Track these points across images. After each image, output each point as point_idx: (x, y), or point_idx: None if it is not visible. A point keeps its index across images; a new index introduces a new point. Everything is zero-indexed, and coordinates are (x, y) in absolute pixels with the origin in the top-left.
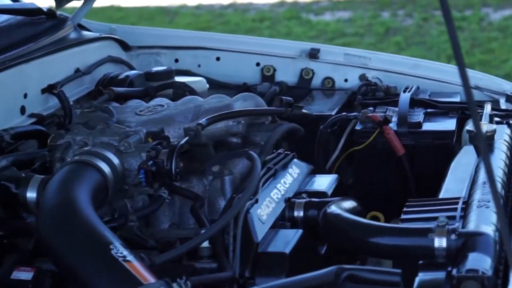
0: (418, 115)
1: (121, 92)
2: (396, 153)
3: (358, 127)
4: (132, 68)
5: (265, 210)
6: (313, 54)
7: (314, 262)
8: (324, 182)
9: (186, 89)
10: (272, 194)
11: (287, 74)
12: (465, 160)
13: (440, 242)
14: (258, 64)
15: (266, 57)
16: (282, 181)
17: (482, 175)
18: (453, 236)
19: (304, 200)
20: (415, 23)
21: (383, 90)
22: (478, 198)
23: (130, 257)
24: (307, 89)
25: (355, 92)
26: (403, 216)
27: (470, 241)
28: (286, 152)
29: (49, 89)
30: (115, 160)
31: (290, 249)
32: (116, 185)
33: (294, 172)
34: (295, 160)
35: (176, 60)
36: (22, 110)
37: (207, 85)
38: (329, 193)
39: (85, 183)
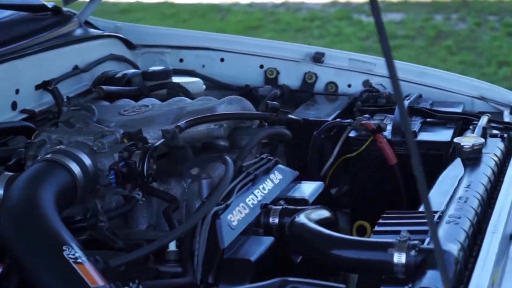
0: (414, 124)
1: (112, 90)
2: (388, 162)
3: (352, 134)
4: (136, 67)
5: (236, 216)
6: (317, 58)
7: (287, 271)
8: (307, 189)
9: (180, 90)
10: (247, 199)
11: (291, 78)
12: (454, 173)
13: (399, 258)
14: (261, 67)
15: (270, 60)
16: (261, 186)
17: (461, 189)
18: (412, 252)
19: (280, 207)
20: (467, 28)
21: (384, 97)
22: (450, 213)
23: (82, 259)
24: (309, 93)
25: (357, 98)
26: (376, 228)
27: (430, 258)
28: (269, 157)
29: (44, 86)
30: (87, 160)
31: (256, 257)
32: (87, 186)
33: (276, 178)
34: (279, 165)
35: (181, 60)
36: (14, 105)
37: (204, 86)
38: (311, 200)
39: (52, 183)
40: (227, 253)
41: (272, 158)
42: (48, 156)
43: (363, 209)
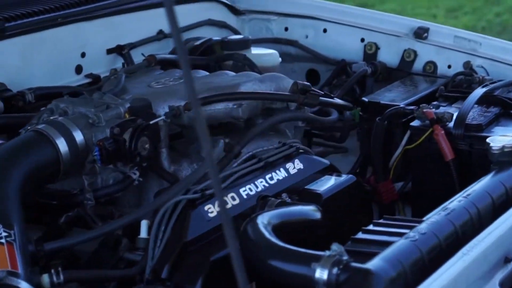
0: (485, 116)
1: (168, 59)
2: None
3: (416, 123)
4: (238, 33)
5: (218, 207)
6: (419, 34)
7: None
8: (329, 182)
9: (245, 62)
10: (243, 189)
11: (390, 54)
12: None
13: (321, 274)
14: (362, 40)
15: (371, 33)
16: (268, 176)
17: (457, 199)
18: (335, 270)
19: (278, 200)
20: None
21: (477, 82)
22: (419, 227)
23: (2, 240)
24: (406, 73)
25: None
26: (357, 236)
27: (355, 278)
28: (292, 144)
29: (117, 50)
30: (78, 135)
31: (218, 255)
32: (74, 161)
33: (295, 167)
34: (304, 154)
35: (286, 29)
36: (78, 69)
37: (279, 59)
38: (326, 195)
39: (31, 156)
40: (193, 246)
41: (295, 145)
42: (39, 127)
43: (422, 208)
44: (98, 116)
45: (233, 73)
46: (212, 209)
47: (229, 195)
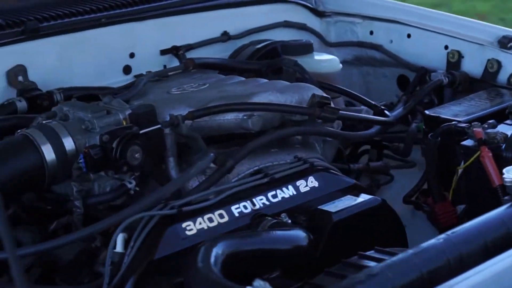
0: None
1: (209, 62)
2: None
3: (469, 143)
4: (319, 36)
5: (202, 224)
6: (504, 43)
7: None
8: (347, 203)
9: (296, 68)
10: (235, 206)
11: (473, 63)
12: None
13: None
14: (446, 47)
15: (455, 40)
16: (271, 193)
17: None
18: None
19: (272, 221)
20: None
21: None
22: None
23: None
24: (489, 84)
25: None
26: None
27: None
28: (309, 160)
29: (172, 51)
30: (68, 141)
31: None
32: (62, 167)
33: (307, 185)
34: (323, 172)
35: (371, 33)
36: (126, 69)
37: (340, 66)
38: (341, 217)
39: (13, 159)
40: (163, 266)
41: (312, 161)
42: (27, 130)
43: None
44: (92, 122)
45: (264, 80)
46: (192, 227)
47: (216, 212)
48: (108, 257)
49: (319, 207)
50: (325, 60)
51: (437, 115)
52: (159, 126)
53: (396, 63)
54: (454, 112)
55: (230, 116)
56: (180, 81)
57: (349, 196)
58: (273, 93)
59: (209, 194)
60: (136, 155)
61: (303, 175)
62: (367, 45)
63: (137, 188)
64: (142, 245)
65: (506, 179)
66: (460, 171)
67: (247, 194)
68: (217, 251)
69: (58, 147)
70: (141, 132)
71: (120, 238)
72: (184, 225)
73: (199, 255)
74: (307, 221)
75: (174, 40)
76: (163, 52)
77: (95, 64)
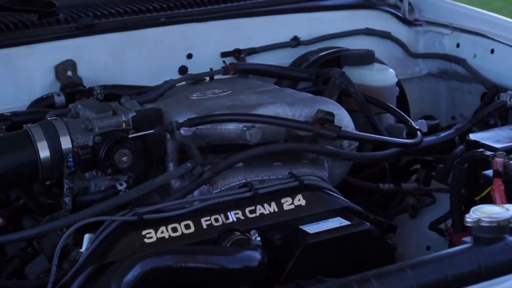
0: None
1: (249, 68)
2: None
3: (489, 172)
4: (404, 46)
5: (162, 233)
6: None
7: None
8: (331, 225)
9: (341, 80)
10: (206, 218)
11: None
12: None
13: None
14: None
15: None
16: (249, 208)
17: None
18: None
19: (237, 237)
20: None
21: None
22: None
23: None
24: None
25: None
26: None
27: None
28: (301, 178)
29: (234, 54)
30: (65, 139)
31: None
32: (57, 164)
33: (292, 203)
34: (314, 191)
35: (458, 45)
36: (182, 70)
37: (394, 80)
38: (318, 239)
39: (7, 153)
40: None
41: (304, 178)
42: (29, 126)
43: None
44: (92, 122)
45: (291, 91)
46: (152, 235)
47: (183, 223)
48: (55, 256)
49: (301, 226)
50: (379, 73)
51: (477, 139)
52: (152, 131)
53: (472, 78)
54: (498, 137)
55: (231, 126)
56: (209, 86)
57: (338, 218)
58: (281, 105)
59: (183, 203)
60: (124, 159)
61: (291, 192)
62: (451, 58)
63: (126, 190)
64: (97, 247)
65: (467, 219)
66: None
67: (223, 207)
68: (142, 266)
69: (54, 144)
70: (131, 136)
71: (86, 238)
72: (144, 232)
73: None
74: (281, 239)
75: (236, 43)
76: (224, 55)
77: (149, 63)
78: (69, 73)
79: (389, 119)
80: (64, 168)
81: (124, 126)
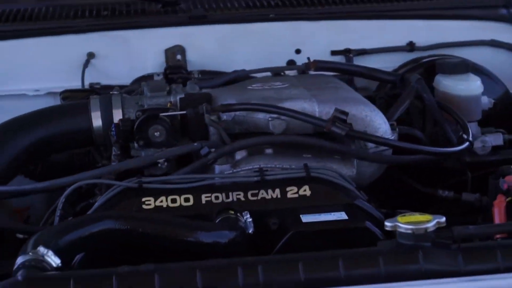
0: None
1: (330, 67)
2: None
3: None
4: None
5: (161, 202)
6: None
7: None
8: (327, 218)
9: (417, 85)
10: (206, 194)
11: None
12: None
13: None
14: None
15: None
16: (252, 192)
17: None
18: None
19: (229, 216)
20: None
21: None
22: None
23: None
24: None
25: None
26: None
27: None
28: (312, 170)
29: (344, 53)
30: (117, 112)
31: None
32: (107, 134)
33: (297, 192)
34: (320, 184)
35: None
36: (290, 64)
37: (478, 90)
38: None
39: (64, 119)
40: None
41: (315, 170)
42: (92, 96)
43: None
44: (142, 99)
45: (346, 87)
46: (150, 203)
47: (183, 196)
48: (60, 202)
49: (301, 215)
50: (461, 83)
51: None
52: (184, 112)
53: None
54: None
55: (261, 116)
56: (276, 79)
57: (342, 213)
58: (310, 102)
59: (189, 179)
60: (156, 134)
61: (298, 182)
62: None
63: (165, 163)
64: (98, 208)
65: (386, 224)
66: None
67: (227, 187)
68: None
69: (106, 116)
70: (162, 114)
71: None
72: (144, 199)
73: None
74: (277, 225)
75: (347, 43)
76: (334, 53)
77: (256, 55)
78: (179, 57)
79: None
80: (110, 136)
81: (169, 105)
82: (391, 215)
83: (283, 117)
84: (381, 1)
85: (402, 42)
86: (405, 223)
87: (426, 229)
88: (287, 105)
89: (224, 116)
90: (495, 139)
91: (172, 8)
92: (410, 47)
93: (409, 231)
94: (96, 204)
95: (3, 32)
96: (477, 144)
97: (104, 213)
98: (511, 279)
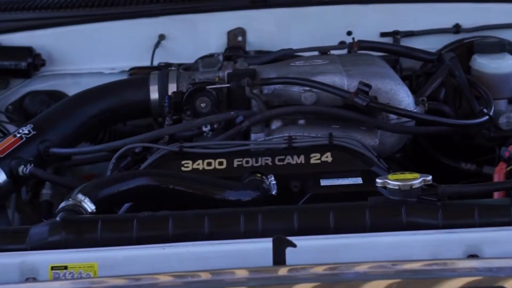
0: None
1: (372, 46)
2: None
3: None
4: None
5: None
6: None
7: None
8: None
9: (449, 64)
10: (238, 159)
11: None
12: None
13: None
14: None
15: None
16: (279, 157)
17: None
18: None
19: (254, 177)
20: None
21: None
22: None
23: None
24: None
25: None
26: None
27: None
28: (335, 138)
29: (392, 34)
30: (172, 86)
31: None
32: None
33: (319, 158)
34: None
35: None
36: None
37: (507, 70)
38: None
39: (125, 91)
40: None
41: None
42: (153, 72)
43: None
44: (194, 74)
45: (381, 64)
46: (188, 165)
47: (218, 160)
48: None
49: (321, 179)
50: (493, 62)
51: None
52: (228, 85)
53: None
54: None
55: (296, 89)
56: (320, 57)
57: (358, 178)
58: (341, 75)
59: (224, 145)
60: (202, 105)
61: (321, 149)
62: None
63: (210, 132)
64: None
65: (377, 181)
66: None
67: (258, 153)
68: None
69: (162, 89)
70: (208, 87)
71: None
72: (183, 162)
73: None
74: (298, 187)
75: (395, 25)
76: (383, 35)
77: (311, 36)
78: (240, 38)
79: (502, 105)
80: (164, 107)
81: (217, 79)
82: None
83: (314, 90)
84: None
85: (449, 24)
86: (393, 180)
87: (411, 185)
88: (319, 78)
89: (266, 90)
90: None
91: None
92: (456, 29)
93: (396, 187)
94: (143, 166)
95: (85, 16)
96: (502, 120)
97: (139, 171)
98: (484, 233)
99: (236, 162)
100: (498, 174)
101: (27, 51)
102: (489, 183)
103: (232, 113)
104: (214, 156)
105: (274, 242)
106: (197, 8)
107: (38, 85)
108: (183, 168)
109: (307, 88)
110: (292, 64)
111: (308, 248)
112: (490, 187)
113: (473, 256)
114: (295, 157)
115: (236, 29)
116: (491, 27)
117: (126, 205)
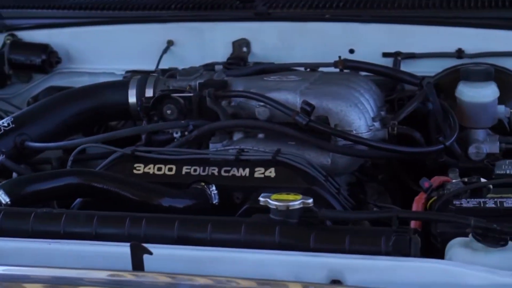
0: None
1: (355, 66)
2: None
3: None
4: None
5: (149, 169)
6: None
7: None
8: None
9: (425, 88)
10: (187, 167)
11: None
12: None
13: None
14: None
15: None
16: (225, 168)
17: None
18: None
19: (198, 185)
20: None
21: None
22: None
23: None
24: None
25: None
26: None
27: None
28: (279, 154)
29: (394, 55)
30: (149, 91)
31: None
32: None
33: (263, 173)
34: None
35: None
36: None
37: (487, 100)
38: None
39: (106, 93)
40: None
41: (281, 155)
42: (135, 76)
43: None
44: (168, 81)
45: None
46: (140, 168)
47: (168, 166)
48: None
49: (262, 194)
50: (471, 90)
51: None
52: (191, 94)
53: None
54: None
55: (254, 103)
56: (298, 73)
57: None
58: (295, 94)
59: (178, 151)
60: (168, 111)
61: (267, 164)
62: None
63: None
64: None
65: (260, 199)
66: None
67: (207, 162)
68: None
69: (140, 93)
70: (173, 95)
71: None
72: (136, 165)
73: None
74: (240, 199)
75: (398, 46)
76: (385, 55)
77: (313, 51)
78: (244, 49)
79: (479, 135)
80: (139, 111)
81: (187, 88)
82: (358, 207)
83: (268, 106)
84: (433, 7)
85: (452, 48)
86: (274, 200)
87: (288, 206)
88: (273, 95)
89: (233, 102)
90: (491, 146)
91: (247, 4)
92: (459, 53)
93: (274, 207)
94: (98, 168)
95: (100, 17)
96: (471, 150)
97: (68, 170)
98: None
99: (184, 170)
100: (417, 203)
101: (43, 48)
102: (369, 212)
103: (182, 122)
104: (165, 162)
105: (131, 248)
106: (205, 17)
107: (57, 81)
108: (134, 171)
109: (262, 104)
110: (265, 78)
111: (173, 257)
112: (368, 215)
113: (335, 282)
114: (241, 169)
115: (241, 40)
116: (494, 54)
117: (78, 200)
